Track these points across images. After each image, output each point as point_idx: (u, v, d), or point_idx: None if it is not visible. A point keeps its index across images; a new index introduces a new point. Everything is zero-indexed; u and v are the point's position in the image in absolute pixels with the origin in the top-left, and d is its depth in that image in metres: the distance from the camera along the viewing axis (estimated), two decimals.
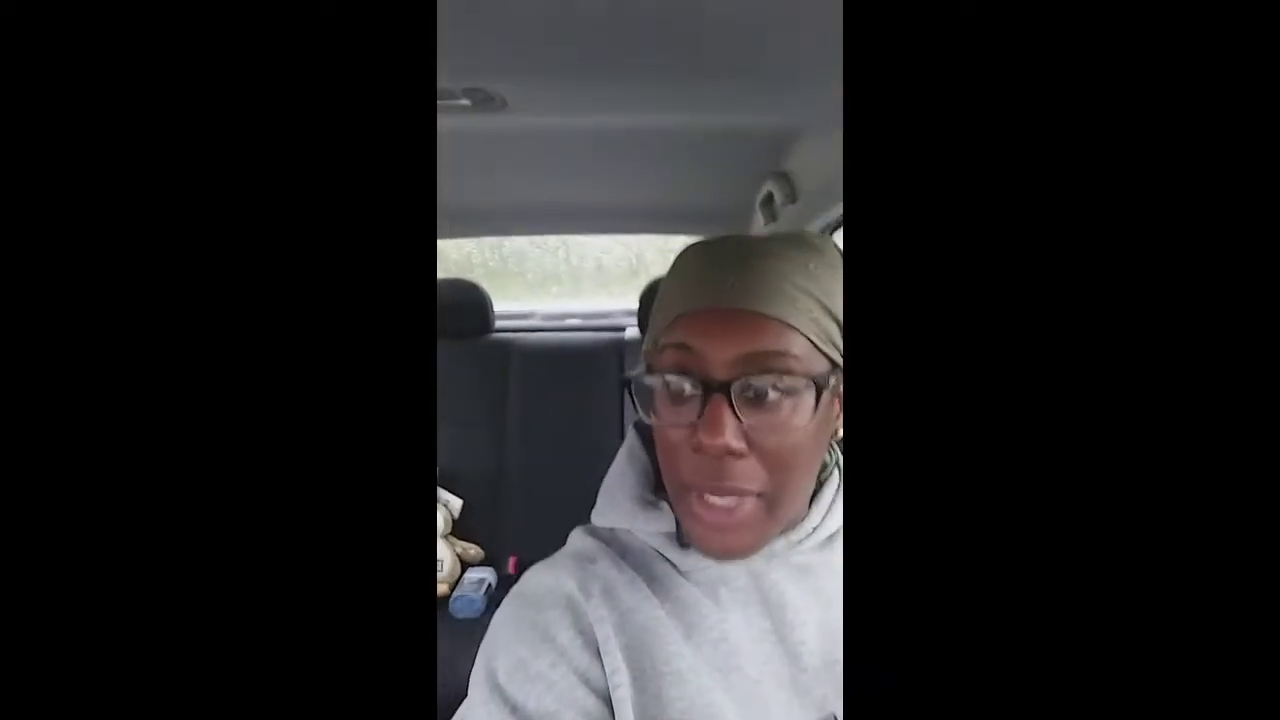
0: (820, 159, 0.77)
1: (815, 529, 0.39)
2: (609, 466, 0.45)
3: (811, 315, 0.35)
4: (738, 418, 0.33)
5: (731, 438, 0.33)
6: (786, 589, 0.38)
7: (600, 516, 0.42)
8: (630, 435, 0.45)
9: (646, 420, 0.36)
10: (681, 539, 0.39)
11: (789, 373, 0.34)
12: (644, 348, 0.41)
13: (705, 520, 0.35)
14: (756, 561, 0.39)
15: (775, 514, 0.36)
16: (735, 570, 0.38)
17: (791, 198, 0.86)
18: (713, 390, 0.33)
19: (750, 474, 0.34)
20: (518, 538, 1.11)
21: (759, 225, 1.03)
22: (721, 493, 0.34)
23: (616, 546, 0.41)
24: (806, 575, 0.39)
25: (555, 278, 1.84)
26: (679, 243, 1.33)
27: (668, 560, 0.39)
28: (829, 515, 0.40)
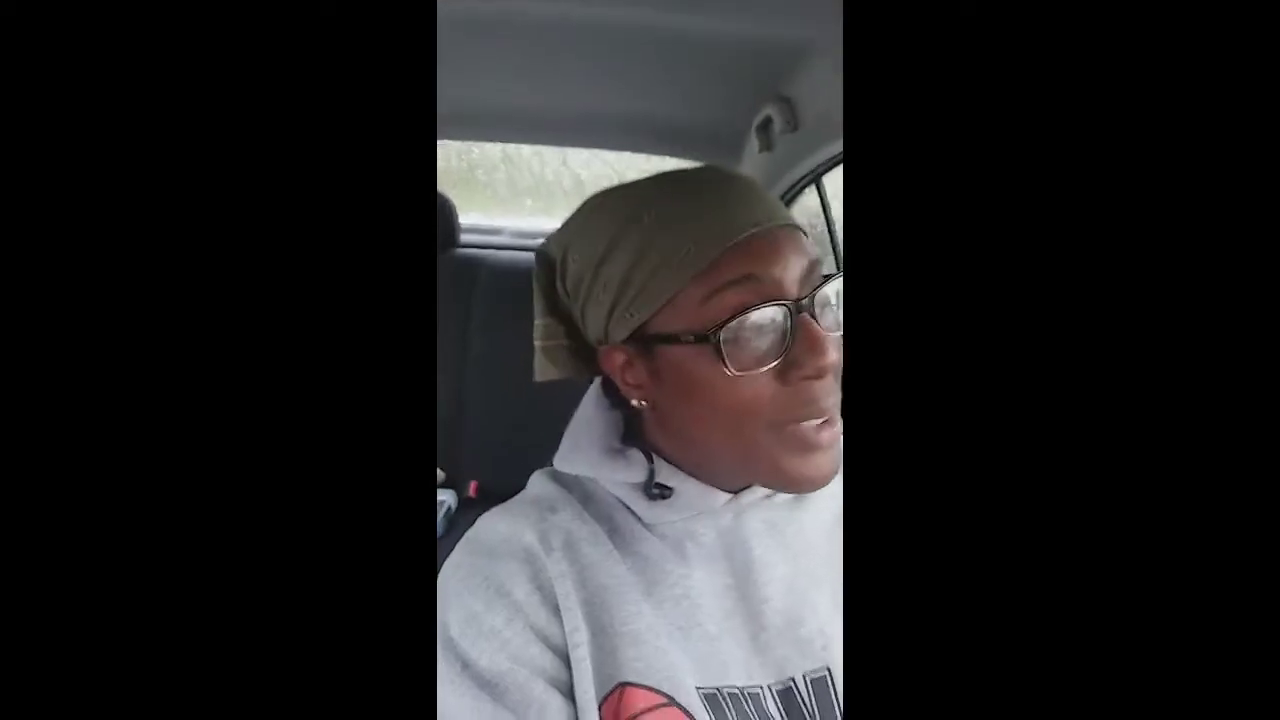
0: (829, 85, 0.70)
1: None
2: (576, 399, 0.42)
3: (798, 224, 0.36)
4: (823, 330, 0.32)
5: (834, 351, 0.32)
6: (754, 545, 0.37)
7: (564, 462, 0.40)
8: (595, 385, 0.42)
9: (732, 374, 0.32)
10: (649, 490, 0.37)
11: (826, 278, 0.34)
12: (666, 305, 0.34)
13: (820, 443, 0.33)
14: (725, 517, 0.37)
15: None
16: (703, 525, 0.37)
17: (792, 125, 0.79)
18: (800, 311, 0.32)
19: (833, 382, 0.34)
20: (478, 463, 1.09)
21: (752, 152, 0.96)
22: (824, 411, 0.33)
23: (579, 494, 0.39)
24: (775, 531, 0.38)
25: (529, 192, 1.72)
26: (658, 164, 1.25)
27: (632, 512, 0.38)
28: None
